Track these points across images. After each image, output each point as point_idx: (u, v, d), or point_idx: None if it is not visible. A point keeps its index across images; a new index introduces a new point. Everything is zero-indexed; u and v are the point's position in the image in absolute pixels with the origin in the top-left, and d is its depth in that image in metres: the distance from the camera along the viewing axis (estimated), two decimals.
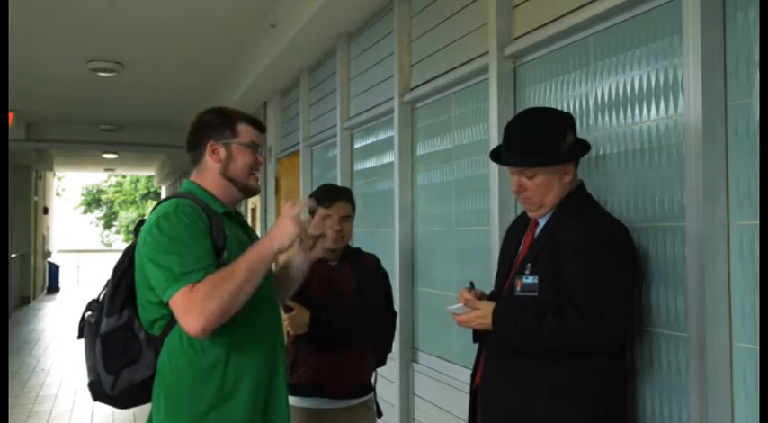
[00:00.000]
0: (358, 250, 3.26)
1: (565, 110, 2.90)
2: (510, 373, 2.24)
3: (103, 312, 2.21)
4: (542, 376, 2.16)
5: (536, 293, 2.20)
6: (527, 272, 2.23)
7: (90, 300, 2.31)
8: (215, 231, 2.15)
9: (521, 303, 2.22)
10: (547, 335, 2.11)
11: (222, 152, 2.24)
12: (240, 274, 2.05)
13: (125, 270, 2.22)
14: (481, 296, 2.35)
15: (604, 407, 2.17)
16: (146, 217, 2.38)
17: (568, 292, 2.12)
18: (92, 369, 2.21)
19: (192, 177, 2.30)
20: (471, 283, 2.41)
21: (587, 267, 2.11)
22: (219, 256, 2.14)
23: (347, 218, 3.09)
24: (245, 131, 2.28)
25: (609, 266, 2.11)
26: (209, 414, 2.13)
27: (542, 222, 2.32)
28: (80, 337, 2.30)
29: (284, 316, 2.88)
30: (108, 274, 2.30)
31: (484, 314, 2.24)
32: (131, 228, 38.26)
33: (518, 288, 2.24)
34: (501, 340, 2.25)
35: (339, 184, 5.48)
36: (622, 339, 2.14)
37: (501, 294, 2.35)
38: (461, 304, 2.31)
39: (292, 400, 2.95)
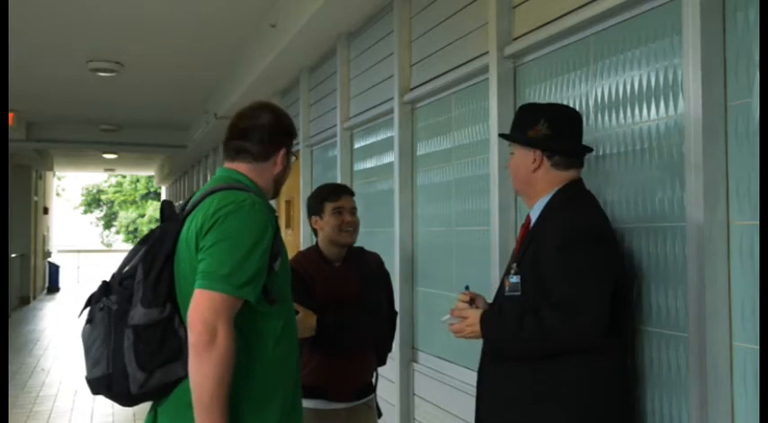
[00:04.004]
0: (361, 250, 3.23)
1: None
2: (504, 375, 2.24)
3: (138, 301, 2.02)
4: (534, 378, 2.16)
5: (519, 293, 2.22)
6: (512, 271, 2.26)
7: (102, 282, 2.11)
8: (276, 236, 2.09)
9: (505, 306, 2.25)
10: (527, 337, 2.11)
11: (288, 160, 2.28)
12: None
13: (168, 256, 2.05)
14: (474, 298, 2.37)
15: (603, 408, 2.15)
16: (169, 199, 2.32)
17: (548, 290, 2.13)
18: (108, 362, 2.02)
19: (243, 169, 2.22)
20: (466, 287, 2.43)
21: (560, 262, 2.12)
22: (275, 260, 2.07)
23: (355, 210, 3.13)
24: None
25: (581, 260, 2.09)
26: (247, 418, 2.02)
27: (533, 219, 2.32)
28: (89, 322, 2.08)
29: None
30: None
31: (472, 322, 2.26)
32: (131, 228, 38.32)
33: (506, 288, 2.26)
34: (491, 345, 2.27)
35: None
36: (601, 333, 2.07)
37: (497, 295, 2.37)
38: (450, 314, 2.33)
39: None
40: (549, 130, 2.29)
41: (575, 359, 2.12)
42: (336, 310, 2.97)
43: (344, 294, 3.04)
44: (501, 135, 2.50)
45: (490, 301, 2.43)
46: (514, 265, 2.27)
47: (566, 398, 2.13)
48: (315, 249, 3.16)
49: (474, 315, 2.26)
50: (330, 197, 3.10)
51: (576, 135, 2.36)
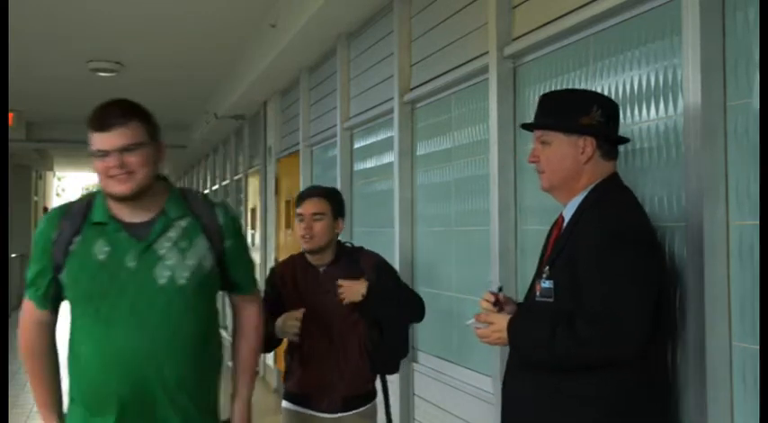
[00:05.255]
0: (356, 250, 3.12)
1: None
2: (525, 382, 2.13)
3: None
4: (557, 387, 2.04)
5: (551, 299, 2.08)
6: (545, 275, 2.11)
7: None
8: (59, 245, 2.18)
9: (537, 313, 2.12)
10: (560, 349, 1.97)
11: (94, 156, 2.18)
12: None
13: None
14: (499, 300, 2.23)
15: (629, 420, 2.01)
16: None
17: (584, 296, 1.99)
18: None
19: None
20: (500, 288, 2.29)
21: (599, 266, 1.96)
22: (58, 273, 2.19)
23: (319, 216, 2.97)
24: (91, 139, 2.18)
25: (622, 264, 1.94)
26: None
27: (567, 217, 2.17)
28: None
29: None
30: None
31: (499, 328, 2.13)
32: None
33: (537, 293, 2.13)
34: (519, 353, 2.15)
35: (339, 183, 5.50)
36: (640, 346, 1.93)
37: (526, 299, 2.27)
38: (474, 319, 2.22)
39: (285, 403, 3.12)
40: (603, 117, 2.14)
41: (595, 370, 1.99)
42: (314, 318, 2.89)
43: (322, 301, 2.94)
44: (536, 125, 2.22)
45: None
46: (546, 268, 2.12)
47: (590, 408, 2.00)
48: (301, 254, 3.10)
49: (501, 321, 2.13)
50: (297, 203, 3.05)
51: (618, 123, 2.23)
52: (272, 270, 3.27)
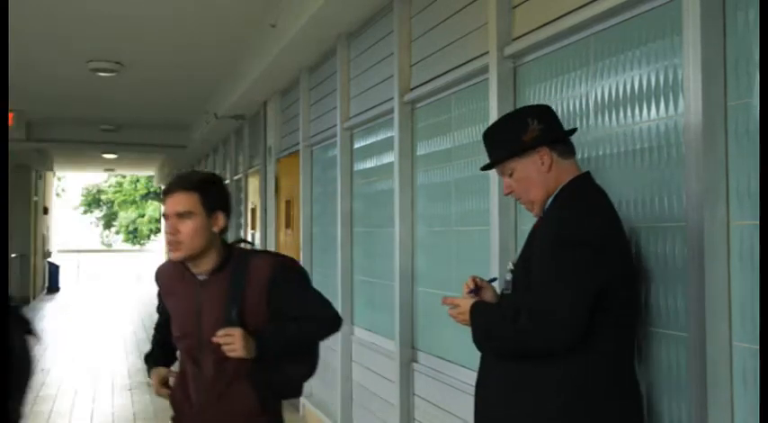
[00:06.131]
0: (248, 254, 2.51)
1: (565, 110, 2.90)
2: (487, 370, 2.30)
3: None
4: (508, 374, 2.20)
5: (510, 291, 2.28)
6: (508, 268, 2.31)
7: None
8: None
9: (497, 303, 2.31)
10: (502, 335, 2.16)
11: None
12: None
13: None
14: (481, 287, 2.37)
15: (582, 409, 2.11)
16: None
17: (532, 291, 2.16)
18: None
19: None
20: (492, 279, 2.46)
21: (543, 265, 2.12)
22: None
23: (187, 214, 2.37)
24: None
25: (562, 265, 2.07)
26: None
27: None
28: None
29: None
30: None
31: (463, 311, 2.27)
32: (131, 228, 38.31)
33: (504, 286, 2.33)
34: (473, 336, 2.27)
35: (339, 184, 5.50)
36: (572, 339, 2.06)
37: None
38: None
39: None
40: (542, 124, 2.26)
41: (552, 360, 2.11)
42: (183, 335, 2.48)
43: (196, 321, 2.44)
44: (490, 165, 2.37)
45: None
46: (511, 263, 2.32)
47: (541, 396, 2.14)
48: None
49: (465, 304, 2.27)
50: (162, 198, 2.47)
51: (559, 121, 2.35)
52: (155, 274, 2.71)
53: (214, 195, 2.44)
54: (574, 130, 2.39)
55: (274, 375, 2.48)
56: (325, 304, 2.59)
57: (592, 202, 2.23)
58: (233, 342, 2.35)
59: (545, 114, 2.32)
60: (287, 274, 2.50)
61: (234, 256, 2.47)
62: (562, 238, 2.10)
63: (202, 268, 2.45)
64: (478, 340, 2.23)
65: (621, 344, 2.21)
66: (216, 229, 2.44)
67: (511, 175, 2.30)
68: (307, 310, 2.52)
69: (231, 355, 2.36)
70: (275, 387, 2.50)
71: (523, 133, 2.25)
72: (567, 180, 2.25)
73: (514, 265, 2.33)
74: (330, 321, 2.59)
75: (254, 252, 2.56)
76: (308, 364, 2.59)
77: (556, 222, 2.17)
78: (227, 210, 2.48)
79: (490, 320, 2.21)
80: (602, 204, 2.23)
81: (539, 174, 2.25)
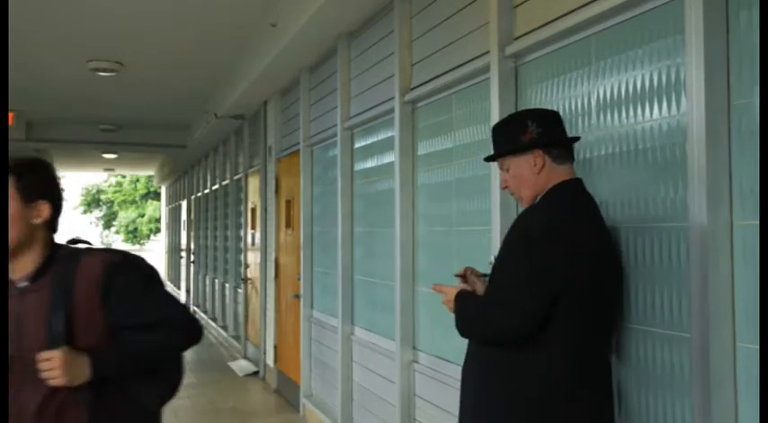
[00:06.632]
0: (79, 253, 2.07)
1: (566, 109, 2.89)
2: (468, 357, 2.46)
3: None
4: (482, 362, 2.37)
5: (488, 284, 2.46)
6: (489, 261, 2.51)
7: None
8: None
9: (476, 293, 2.46)
10: (472, 324, 2.35)
11: None
12: None
13: None
14: (469, 277, 2.52)
15: (549, 403, 2.22)
16: None
17: None
18: None
19: None
20: (485, 275, 2.54)
21: (505, 262, 2.30)
22: None
23: None
24: None
25: (520, 263, 2.23)
26: None
27: None
28: None
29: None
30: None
31: (449, 299, 2.44)
32: (131, 228, 38.32)
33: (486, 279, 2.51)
34: (455, 324, 2.42)
35: (339, 184, 5.49)
36: (522, 333, 2.22)
37: None
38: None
39: None
40: (541, 128, 2.38)
41: (517, 352, 2.25)
42: (13, 360, 2.01)
43: (12, 333, 2.01)
44: (491, 157, 2.52)
45: None
46: (493, 256, 2.53)
47: (507, 388, 2.28)
48: None
49: (452, 292, 2.44)
50: None
51: (560, 125, 2.46)
52: None
53: (34, 181, 2.05)
54: (576, 139, 2.49)
55: (117, 401, 2.05)
56: (176, 307, 2.14)
57: (569, 204, 2.33)
58: (52, 367, 1.92)
59: (547, 119, 2.43)
60: (124, 273, 2.05)
61: (60, 257, 2.04)
62: (523, 237, 2.25)
63: (22, 272, 2.03)
64: (457, 326, 2.40)
65: (589, 342, 2.28)
66: (37, 221, 2.04)
67: (507, 171, 2.45)
68: (153, 315, 2.07)
69: (53, 383, 1.93)
70: (121, 415, 2.07)
71: (522, 134, 2.38)
72: (552, 186, 2.36)
73: (495, 258, 2.45)
74: (184, 328, 2.12)
75: (88, 250, 2.10)
76: (165, 383, 2.17)
77: (526, 219, 2.32)
78: (53, 200, 2.08)
79: (466, 308, 2.37)
80: (579, 207, 2.34)
81: (531, 174, 2.38)
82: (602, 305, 2.31)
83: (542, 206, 2.34)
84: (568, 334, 2.23)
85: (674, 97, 2.35)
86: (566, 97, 2.92)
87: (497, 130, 2.51)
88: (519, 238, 2.28)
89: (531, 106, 3.14)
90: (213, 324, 12.41)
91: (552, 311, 2.19)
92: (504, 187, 2.50)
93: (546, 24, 3.00)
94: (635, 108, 2.52)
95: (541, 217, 2.29)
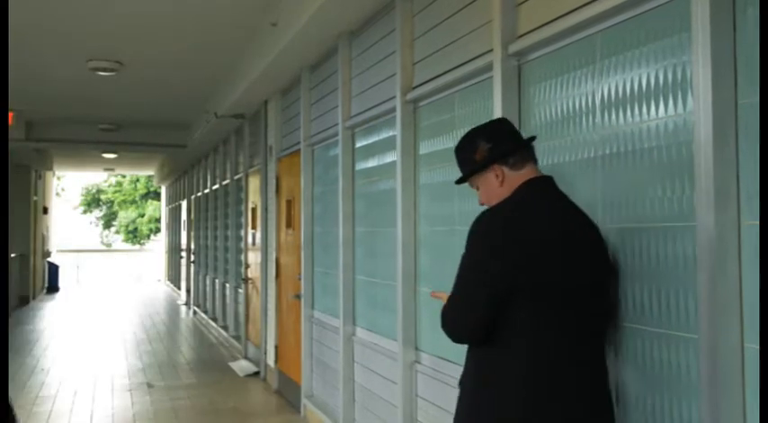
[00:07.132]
0: None
1: (570, 108, 2.88)
2: (466, 360, 2.52)
3: None
4: (472, 364, 2.46)
5: None
6: None
7: None
8: None
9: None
10: (444, 322, 2.44)
11: None
12: None
13: None
14: None
15: (519, 398, 2.25)
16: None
17: None
18: None
19: None
20: None
21: (462, 258, 2.38)
22: None
23: None
24: None
25: (466, 262, 2.34)
26: None
27: None
28: None
29: None
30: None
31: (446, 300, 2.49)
32: (131, 227, 38.27)
33: None
34: None
35: (340, 183, 5.48)
36: (466, 334, 2.38)
37: None
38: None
39: None
40: (490, 143, 2.46)
41: (494, 351, 2.32)
42: None
43: None
44: (460, 180, 2.58)
45: None
46: None
47: (490, 385, 2.34)
48: None
49: (445, 297, 2.49)
50: None
51: (509, 133, 2.52)
52: None
53: None
54: (531, 139, 2.54)
55: None
56: None
57: (523, 202, 2.37)
58: None
59: (494, 133, 2.51)
60: None
61: None
62: (471, 236, 2.34)
63: None
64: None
65: (560, 343, 2.27)
66: None
67: (478, 189, 2.55)
68: None
69: None
70: None
71: (475, 153, 2.48)
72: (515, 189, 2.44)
73: None
74: None
75: None
76: None
77: (475, 220, 2.37)
78: None
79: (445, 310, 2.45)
80: (537, 204, 2.37)
81: (496, 187, 2.47)
82: (574, 305, 2.26)
83: (495, 207, 2.41)
84: (531, 334, 2.24)
85: (680, 96, 2.33)
86: (570, 96, 2.89)
87: (456, 154, 2.58)
88: (468, 237, 2.35)
89: (535, 105, 3.12)
90: (214, 324, 12.40)
91: (511, 311, 2.24)
92: (481, 204, 2.56)
93: (550, 22, 2.98)
94: (640, 107, 2.50)
95: (488, 216, 2.36)
